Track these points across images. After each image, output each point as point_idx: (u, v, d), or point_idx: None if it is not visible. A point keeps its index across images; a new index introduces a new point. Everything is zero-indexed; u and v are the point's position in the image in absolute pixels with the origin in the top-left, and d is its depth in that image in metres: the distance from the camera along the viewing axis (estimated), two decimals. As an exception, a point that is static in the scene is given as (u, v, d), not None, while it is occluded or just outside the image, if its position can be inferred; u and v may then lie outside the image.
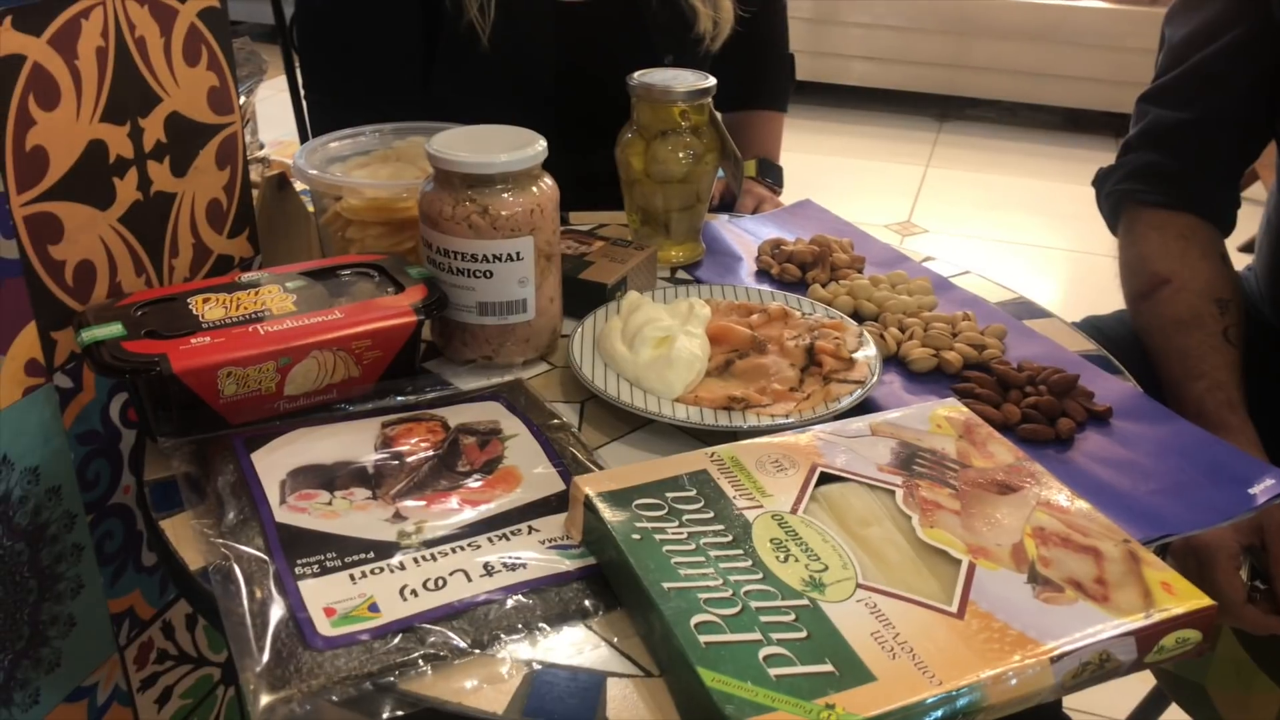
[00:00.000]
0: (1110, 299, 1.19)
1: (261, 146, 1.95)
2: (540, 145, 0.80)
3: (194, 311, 0.74)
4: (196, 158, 0.86)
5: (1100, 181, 1.18)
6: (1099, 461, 0.75)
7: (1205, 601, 0.57)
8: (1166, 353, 1.05)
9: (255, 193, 1.01)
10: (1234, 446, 0.78)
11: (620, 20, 1.25)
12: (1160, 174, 1.11)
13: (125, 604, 0.87)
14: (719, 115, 1.00)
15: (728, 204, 1.38)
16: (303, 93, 1.25)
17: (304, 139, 1.72)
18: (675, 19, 1.25)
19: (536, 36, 1.20)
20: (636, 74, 0.98)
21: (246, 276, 0.80)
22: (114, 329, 0.71)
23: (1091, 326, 1.20)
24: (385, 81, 1.21)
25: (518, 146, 0.80)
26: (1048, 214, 3.30)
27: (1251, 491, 0.72)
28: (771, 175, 1.47)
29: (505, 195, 0.79)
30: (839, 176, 3.63)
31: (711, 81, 0.97)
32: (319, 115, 1.25)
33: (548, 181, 0.82)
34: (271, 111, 2.38)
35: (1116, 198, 1.15)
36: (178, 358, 0.69)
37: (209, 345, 0.70)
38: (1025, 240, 3.17)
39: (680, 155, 0.97)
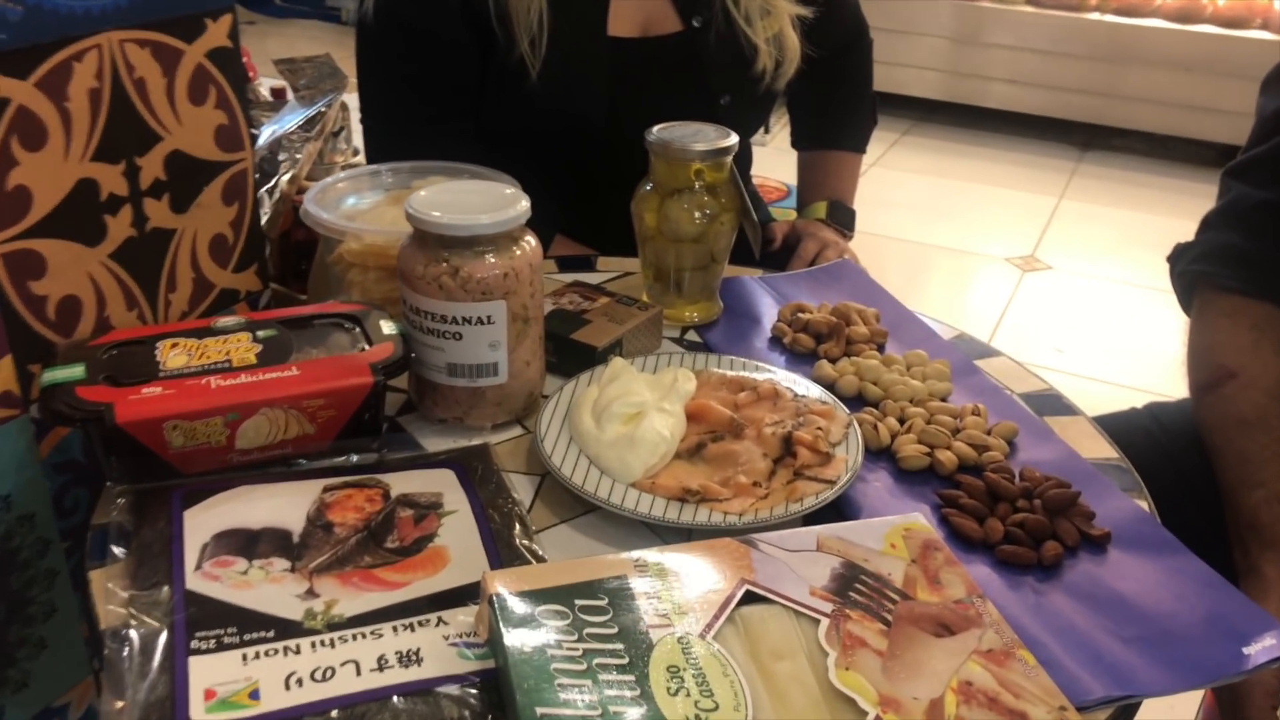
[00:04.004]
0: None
1: (356, 153, 1.97)
2: (522, 205, 0.78)
3: (158, 358, 0.75)
4: (200, 194, 0.87)
5: (1175, 258, 1.09)
6: (1080, 596, 0.68)
7: (1133, 795, 0.51)
8: (1226, 453, 0.96)
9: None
10: (1240, 594, 0.69)
11: (676, 58, 1.21)
12: (1237, 256, 1.01)
13: (105, 626, 0.89)
14: (738, 173, 0.96)
15: (790, 247, 1.32)
16: (358, 117, 1.26)
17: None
18: (734, 58, 1.21)
19: (588, 72, 1.17)
20: (655, 129, 0.94)
21: (221, 322, 0.80)
22: (75, 371, 0.72)
23: (1151, 416, 1.11)
24: (437, 111, 1.20)
25: (497, 208, 0.77)
26: (1186, 258, 3.09)
27: (1246, 651, 0.63)
28: (842, 219, 1.41)
29: (483, 257, 0.77)
30: (965, 202, 3.49)
31: (732, 140, 0.92)
32: (373, 141, 1.25)
33: (530, 242, 0.79)
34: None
35: (1190, 278, 1.06)
36: (124, 408, 0.69)
37: (157, 397, 0.70)
38: (1155, 285, 2.99)
39: (695, 215, 0.93)
